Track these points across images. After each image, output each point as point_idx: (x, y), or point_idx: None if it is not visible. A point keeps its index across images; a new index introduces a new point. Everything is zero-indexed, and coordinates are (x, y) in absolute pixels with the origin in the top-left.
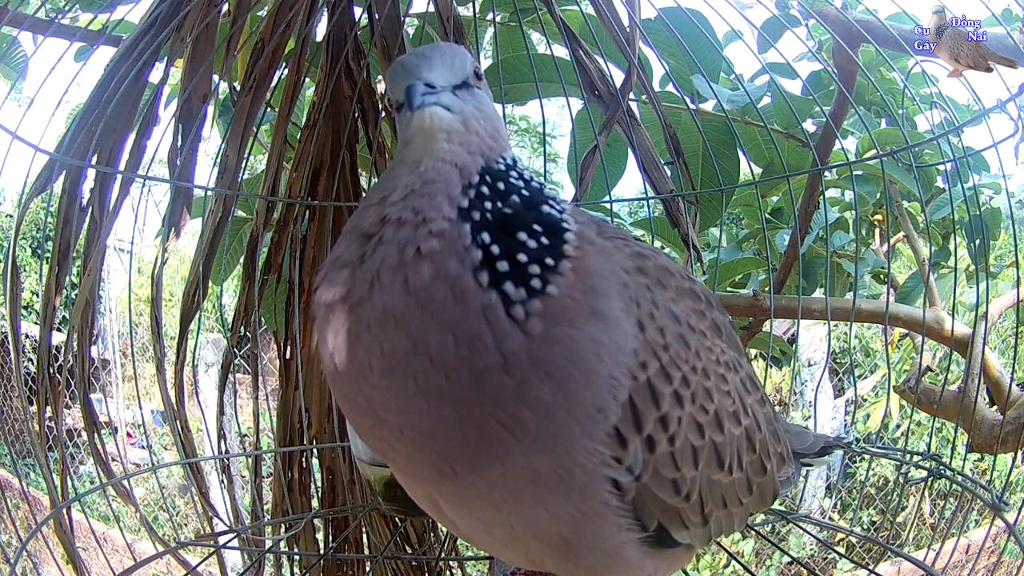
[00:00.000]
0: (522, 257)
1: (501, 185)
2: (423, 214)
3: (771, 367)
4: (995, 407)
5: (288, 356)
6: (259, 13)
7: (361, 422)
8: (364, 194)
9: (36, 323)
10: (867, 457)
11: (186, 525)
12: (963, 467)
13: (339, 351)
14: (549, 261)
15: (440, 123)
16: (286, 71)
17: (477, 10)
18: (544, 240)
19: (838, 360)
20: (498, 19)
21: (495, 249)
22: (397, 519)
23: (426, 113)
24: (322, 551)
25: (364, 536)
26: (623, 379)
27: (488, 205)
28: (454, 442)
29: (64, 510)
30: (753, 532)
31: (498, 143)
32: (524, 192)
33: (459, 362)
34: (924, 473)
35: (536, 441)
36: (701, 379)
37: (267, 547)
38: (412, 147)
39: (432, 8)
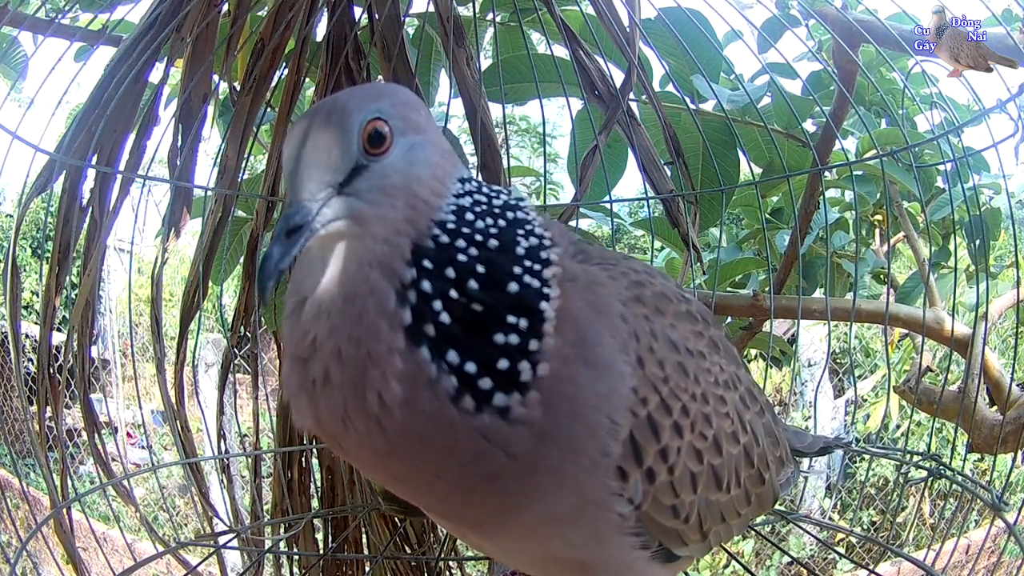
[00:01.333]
0: (503, 364)
1: (449, 269)
2: (366, 347)
3: (771, 367)
4: (995, 407)
5: None
6: (259, 13)
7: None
8: None
9: (36, 323)
10: (867, 457)
11: (186, 525)
12: (963, 467)
13: (351, 457)
14: (533, 345)
15: (329, 234)
16: (286, 71)
17: (477, 10)
18: (523, 324)
19: (838, 360)
20: (498, 19)
21: (470, 368)
22: (397, 519)
23: (298, 247)
24: (322, 551)
25: (364, 536)
26: (624, 419)
27: (438, 305)
28: (481, 514)
29: (64, 510)
30: (753, 532)
31: (425, 202)
32: (480, 266)
33: (466, 474)
34: (924, 473)
35: (549, 495)
36: (700, 405)
37: (267, 547)
38: (312, 257)
39: (432, 8)
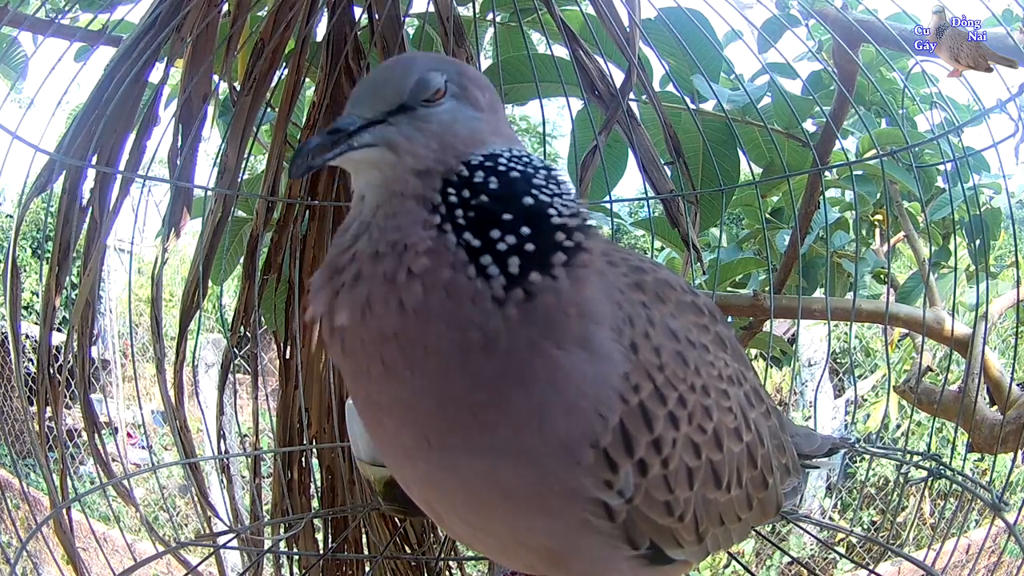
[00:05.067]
0: (501, 246)
1: (467, 192)
2: (402, 242)
3: (771, 367)
4: (995, 407)
5: (288, 356)
6: (259, 13)
7: (357, 394)
8: None
9: (36, 323)
10: (867, 457)
11: (186, 525)
12: (963, 467)
13: (338, 356)
14: (529, 247)
15: (365, 158)
16: (286, 71)
17: (477, 10)
18: (525, 229)
19: (838, 360)
20: (498, 19)
21: (477, 243)
22: (397, 519)
23: (342, 159)
24: (322, 551)
25: (364, 536)
26: (613, 405)
27: (460, 212)
28: (432, 414)
29: (64, 510)
30: (753, 532)
31: (458, 150)
32: (496, 187)
33: (447, 342)
34: (924, 473)
35: (503, 449)
36: (700, 397)
37: (267, 547)
38: (356, 182)
39: (432, 8)
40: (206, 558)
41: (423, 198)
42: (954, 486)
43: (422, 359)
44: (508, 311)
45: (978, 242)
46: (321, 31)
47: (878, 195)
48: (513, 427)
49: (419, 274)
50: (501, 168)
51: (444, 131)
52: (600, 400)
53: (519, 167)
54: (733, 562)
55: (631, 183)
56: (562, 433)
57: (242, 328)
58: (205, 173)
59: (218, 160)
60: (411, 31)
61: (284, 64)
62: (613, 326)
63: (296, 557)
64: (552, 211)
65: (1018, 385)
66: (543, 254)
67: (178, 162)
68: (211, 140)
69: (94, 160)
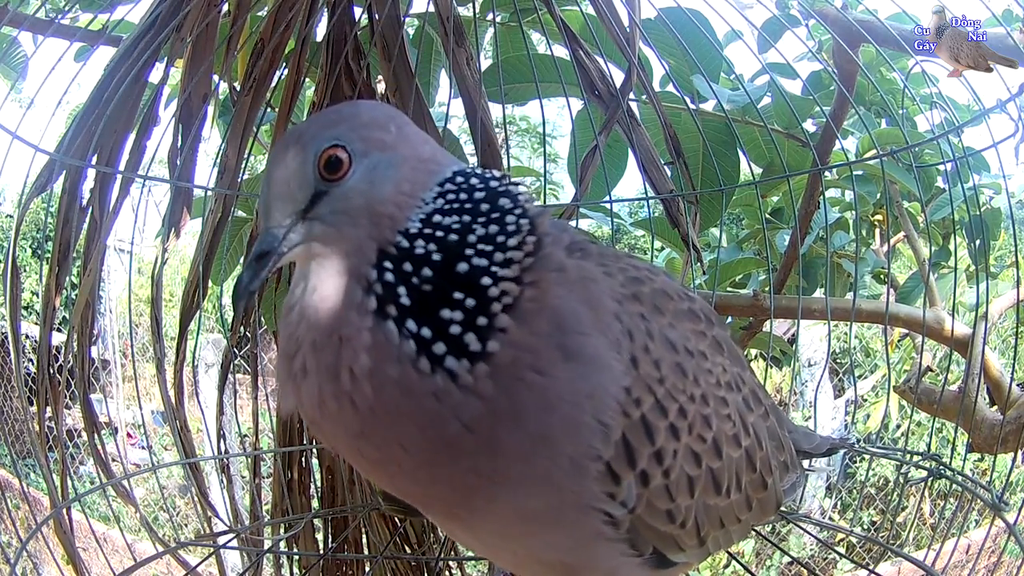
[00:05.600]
0: (455, 329)
1: (407, 264)
2: (337, 333)
3: (771, 367)
4: (995, 407)
5: None
6: (259, 13)
7: (360, 467)
8: None
9: (36, 323)
10: (867, 457)
11: (186, 525)
12: (963, 467)
13: (328, 440)
14: (481, 321)
15: (298, 253)
16: (286, 71)
17: (477, 10)
18: (470, 302)
19: (838, 360)
20: (498, 19)
21: (426, 333)
22: (397, 519)
23: (266, 271)
24: (322, 551)
25: (364, 536)
26: (614, 419)
27: (402, 291)
28: (450, 494)
29: (64, 510)
30: (753, 532)
31: (391, 215)
32: (436, 257)
33: (429, 442)
34: (924, 473)
35: (521, 486)
36: (699, 407)
37: (267, 547)
38: (297, 271)
39: (432, 8)
40: (206, 558)
41: (357, 274)
42: (954, 486)
43: (402, 455)
44: (480, 388)
45: (978, 242)
46: (321, 31)
47: (878, 195)
48: (523, 461)
49: (361, 376)
50: (440, 233)
51: (367, 201)
52: (600, 411)
53: (456, 222)
54: (733, 562)
55: (631, 183)
56: (570, 450)
57: (242, 328)
58: (205, 173)
59: (218, 160)
60: (411, 31)
61: (284, 64)
62: (610, 338)
63: (296, 557)
64: (492, 271)
65: (1018, 385)
66: (486, 314)
67: (178, 162)
68: (211, 140)
69: (94, 160)
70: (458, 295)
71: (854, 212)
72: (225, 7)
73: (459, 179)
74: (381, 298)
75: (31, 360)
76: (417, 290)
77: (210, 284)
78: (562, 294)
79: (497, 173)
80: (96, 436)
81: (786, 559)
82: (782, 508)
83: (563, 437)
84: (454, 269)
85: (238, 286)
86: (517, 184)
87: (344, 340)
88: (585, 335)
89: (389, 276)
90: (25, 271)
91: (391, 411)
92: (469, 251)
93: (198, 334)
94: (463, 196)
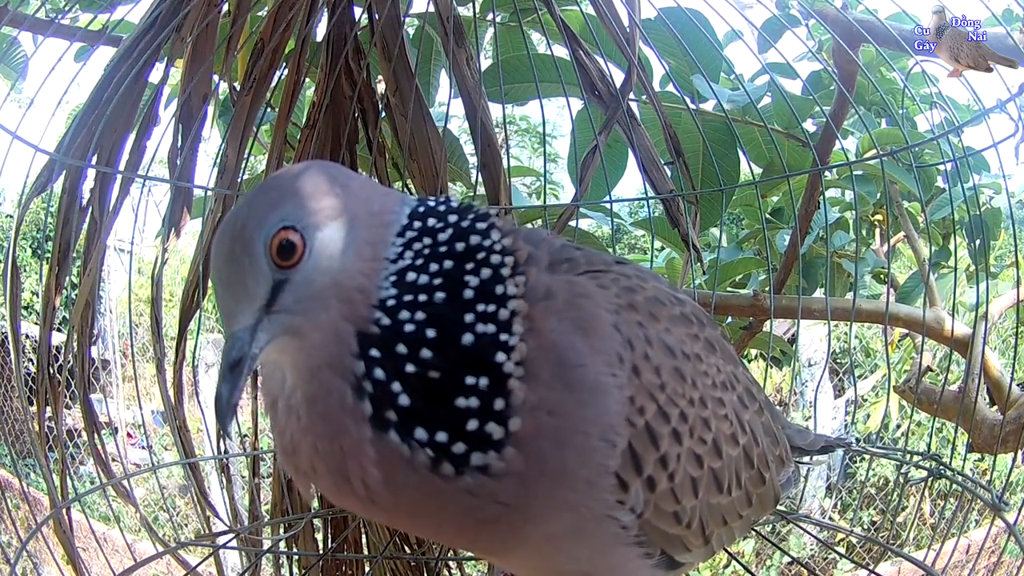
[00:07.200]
0: (472, 425)
1: (400, 346)
2: (338, 442)
3: (771, 367)
4: (995, 407)
5: None
6: (259, 13)
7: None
8: None
9: (36, 323)
10: (867, 457)
11: (186, 525)
12: (963, 467)
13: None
14: (498, 404)
15: (272, 349)
16: (286, 71)
17: (477, 10)
18: (483, 383)
19: (838, 360)
20: (498, 19)
21: (441, 438)
22: None
23: (243, 378)
24: (322, 551)
25: (364, 536)
26: (620, 431)
27: (396, 387)
28: (486, 545)
29: (64, 510)
30: (753, 532)
31: (361, 287)
32: (429, 330)
33: (466, 523)
34: (924, 473)
35: (543, 516)
36: (698, 410)
37: (267, 547)
38: (270, 362)
39: (432, 8)
40: (206, 558)
41: (343, 368)
42: (954, 486)
43: (434, 528)
44: (513, 467)
45: (978, 242)
46: (321, 31)
47: (878, 195)
48: (547, 497)
49: (376, 486)
50: (422, 297)
51: (332, 279)
52: (606, 431)
53: (437, 274)
54: (733, 562)
55: (631, 183)
56: (584, 473)
57: None
58: (205, 173)
59: (218, 160)
60: (411, 31)
61: (284, 64)
62: (606, 355)
63: (296, 557)
64: (503, 341)
65: (1018, 385)
66: (503, 394)
67: (178, 162)
68: (211, 140)
69: (94, 160)
70: (470, 380)
71: (854, 212)
72: (225, 7)
73: (416, 224)
74: (375, 400)
75: (31, 360)
76: (418, 382)
77: (210, 284)
78: (555, 326)
79: (453, 203)
80: (96, 436)
81: (786, 559)
82: (781, 507)
83: (578, 465)
84: (458, 343)
85: (219, 403)
86: (472, 208)
87: (347, 452)
88: (584, 366)
89: (379, 372)
90: (25, 271)
91: (417, 508)
92: (468, 316)
93: (198, 334)
94: (427, 241)
